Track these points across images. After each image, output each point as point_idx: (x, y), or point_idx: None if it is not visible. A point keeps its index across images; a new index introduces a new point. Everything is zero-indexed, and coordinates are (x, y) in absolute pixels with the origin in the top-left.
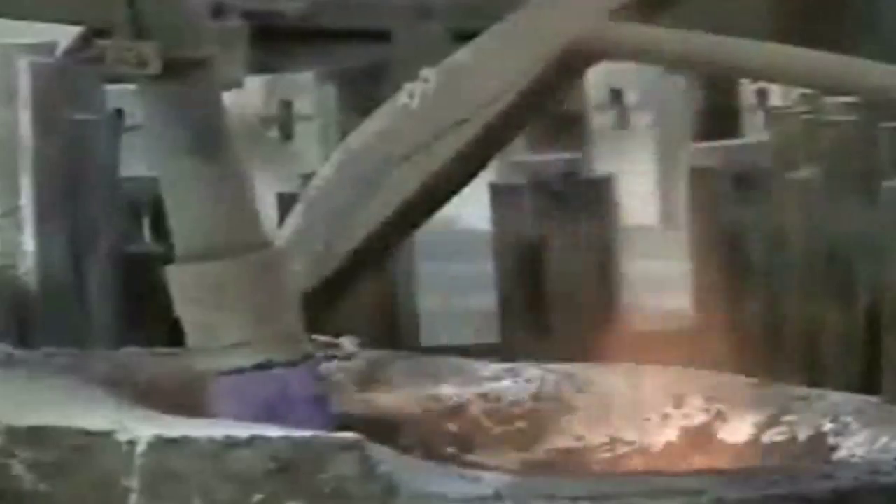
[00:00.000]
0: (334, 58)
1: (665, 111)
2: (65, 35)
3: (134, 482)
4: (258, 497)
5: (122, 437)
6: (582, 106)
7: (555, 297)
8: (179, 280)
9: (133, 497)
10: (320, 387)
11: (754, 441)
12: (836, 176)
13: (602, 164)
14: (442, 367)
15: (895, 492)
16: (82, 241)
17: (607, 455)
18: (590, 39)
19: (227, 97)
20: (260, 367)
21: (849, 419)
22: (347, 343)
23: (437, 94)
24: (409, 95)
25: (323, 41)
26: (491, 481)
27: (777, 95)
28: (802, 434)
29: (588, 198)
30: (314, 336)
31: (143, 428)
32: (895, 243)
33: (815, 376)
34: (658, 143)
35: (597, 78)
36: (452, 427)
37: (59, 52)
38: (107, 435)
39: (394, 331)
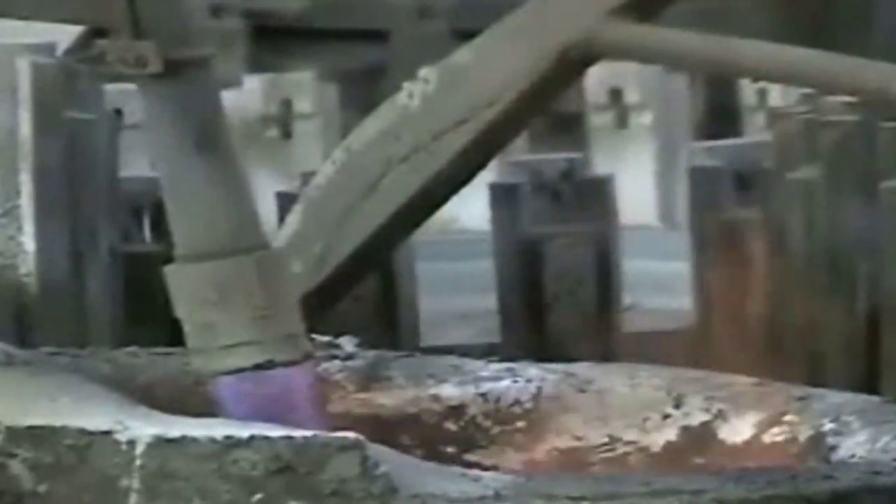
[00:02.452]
0: (334, 57)
1: (665, 111)
2: (65, 35)
3: (134, 482)
4: (258, 497)
5: (122, 436)
6: (582, 106)
7: (555, 297)
8: (179, 280)
9: (133, 497)
10: (320, 387)
11: (754, 441)
12: (836, 176)
13: (602, 164)
14: (442, 367)
15: (895, 492)
16: (82, 241)
17: (607, 455)
18: (590, 39)
19: (227, 96)
20: (260, 367)
21: (849, 419)
22: (347, 343)
23: (437, 94)
24: (409, 95)
25: (323, 41)
26: (491, 481)
27: (777, 95)
28: (802, 434)
29: (588, 198)
30: (314, 336)
31: (143, 428)
32: (895, 243)
33: (816, 376)
34: (658, 143)
35: (597, 78)
36: (452, 427)
37: (59, 52)
38: (107, 435)
39: (394, 331)
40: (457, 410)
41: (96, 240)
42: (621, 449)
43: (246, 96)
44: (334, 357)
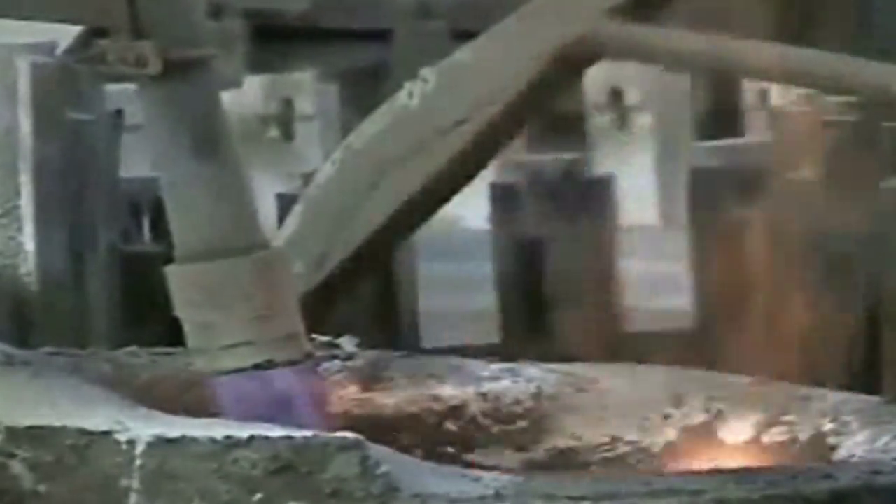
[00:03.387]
0: (334, 57)
1: (665, 111)
2: (65, 35)
3: (134, 482)
4: (258, 497)
5: (122, 436)
6: (582, 106)
7: (555, 297)
8: (179, 280)
9: (133, 497)
10: (320, 387)
11: (754, 441)
12: (836, 176)
13: (602, 164)
14: (442, 367)
15: (895, 492)
16: (82, 241)
17: (607, 455)
18: (589, 39)
19: (227, 97)
20: (260, 367)
21: (849, 419)
22: (347, 343)
23: (437, 94)
24: (409, 95)
25: (323, 41)
26: (491, 481)
27: (777, 95)
28: (802, 434)
29: (588, 198)
30: (314, 336)
31: (143, 428)
32: (895, 243)
33: (815, 376)
34: (658, 143)
35: (597, 78)
36: (452, 427)
37: (59, 52)
38: (107, 435)
39: (394, 331)
40: (457, 410)
41: (96, 240)
42: (621, 449)
43: (246, 97)
44: (334, 357)
